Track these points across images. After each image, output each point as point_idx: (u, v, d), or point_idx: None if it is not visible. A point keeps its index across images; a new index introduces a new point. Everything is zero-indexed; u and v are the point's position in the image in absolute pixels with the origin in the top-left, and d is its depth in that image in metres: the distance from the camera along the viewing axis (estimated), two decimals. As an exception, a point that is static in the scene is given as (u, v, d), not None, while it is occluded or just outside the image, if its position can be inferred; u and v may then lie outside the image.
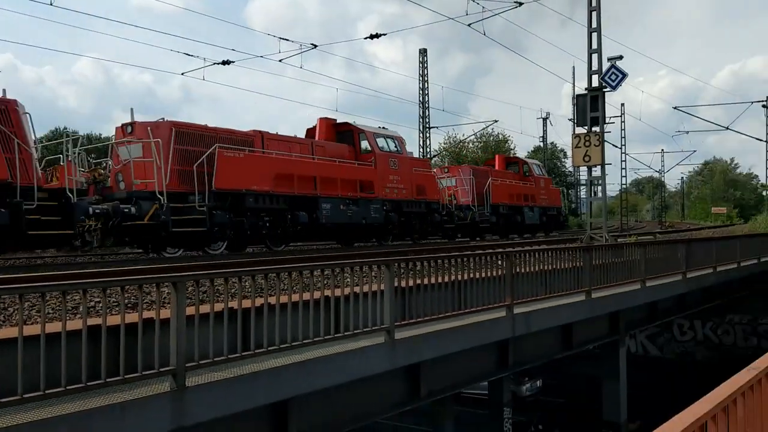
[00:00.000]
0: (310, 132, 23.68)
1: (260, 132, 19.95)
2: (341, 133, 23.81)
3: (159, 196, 15.99)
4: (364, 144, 23.55)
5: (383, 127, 25.27)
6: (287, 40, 25.86)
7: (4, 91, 14.03)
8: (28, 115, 14.18)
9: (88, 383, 5.01)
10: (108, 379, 5.13)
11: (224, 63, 25.76)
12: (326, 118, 23.99)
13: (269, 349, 6.31)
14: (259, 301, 6.39)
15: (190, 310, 5.78)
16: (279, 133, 20.91)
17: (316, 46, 26.01)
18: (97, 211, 15.10)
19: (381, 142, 24.16)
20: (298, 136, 22.32)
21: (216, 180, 17.22)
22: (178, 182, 16.85)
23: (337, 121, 24.45)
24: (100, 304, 5.56)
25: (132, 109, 19.21)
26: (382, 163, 23.45)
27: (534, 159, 42.23)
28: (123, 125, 17.32)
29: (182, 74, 44.23)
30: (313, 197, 20.33)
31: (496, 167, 35.58)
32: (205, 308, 6.00)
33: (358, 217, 21.90)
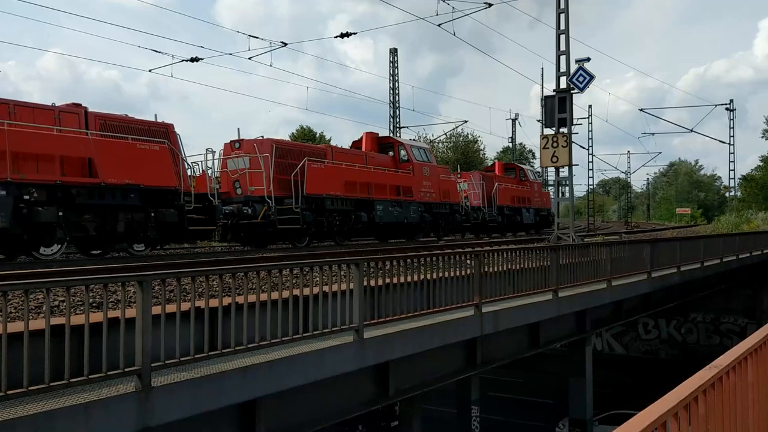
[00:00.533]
0: (356, 144, 27.74)
1: (330, 147, 25.59)
2: (383, 144, 27.74)
3: (267, 200, 19.66)
4: (403, 154, 27.20)
5: (414, 139, 29.08)
6: (257, 37, 25.79)
7: (155, 116, 17.75)
8: (178, 134, 17.65)
9: (51, 384, 4.92)
10: (71, 380, 5.05)
11: (193, 60, 25.53)
12: (370, 132, 27.83)
13: (237, 348, 6.27)
14: (226, 301, 6.34)
15: (156, 310, 5.71)
16: (342, 147, 25.88)
17: (286, 44, 25.91)
18: (227, 211, 18.84)
19: (416, 152, 27.92)
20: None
21: (306, 187, 20.83)
22: (278, 188, 20.24)
23: (380, 135, 28.29)
24: (64, 304, 5.47)
25: (239, 129, 23.29)
26: (418, 170, 27.18)
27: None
28: (231, 141, 21.19)
29: (150, 71, 43.52)
30: (370, 200, 24.04)
31: (497, 173, 38.24)
32: (171, 307, 5.94)
33: (402, 216, 25.68)
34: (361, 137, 27.57)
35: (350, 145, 28.23)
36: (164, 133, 17.17)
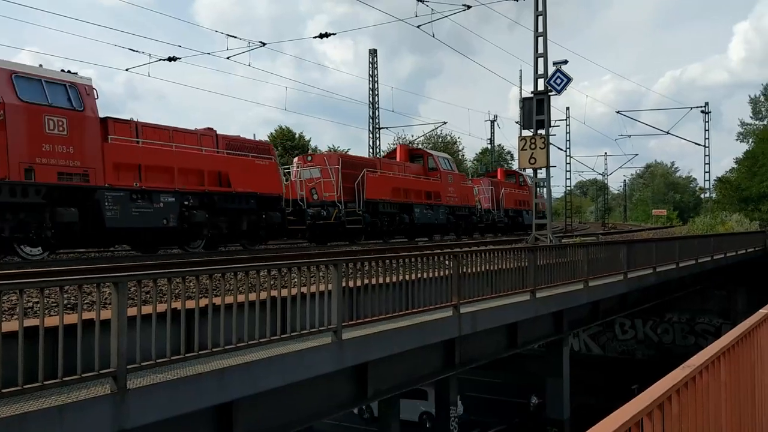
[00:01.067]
0: (391, 155, 32.28)
1: (378, 158, 29.68)
2: (413, 155, 31.87)
3: (338, 204, 23.19)
4: (431, 163, 30.86)
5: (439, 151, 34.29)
6: (235, 37, 25.65)
7: (254, 135, 22.43)
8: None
9: (25, 386, 4.86)
10: (45, 382, 4.99)
11: (170, 59, 25.32)
12: (403, 144, 34.71)
13: (214, 350, 6.23)
14: (203, 302, 6.30)
15: (132, 311, 5.66)
16: (387, 158, 29.57)
17: (264, 44, 25.81)
18: (310, 213, 22.29)
19: (441, 161, 31.59)
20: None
21: (366, 193, 24.62)
22: (344, 195, 23.74)
23: (411, 147, 34.47)
24: (38, 305, 5.40)
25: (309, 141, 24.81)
26: (444, 178, 30.82)
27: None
28: (305, 155, 26.83)
29: (127, 70, 43.15)
30: (409, 204, 27.63)
31: (499, 178, 41.65)
32: (148, 309, 5.89)
33: (433, 218, 29.34)
34: (395, 149, 32.40)
35: (384, 155, 33.85)
36: (267, 149, 21.17)
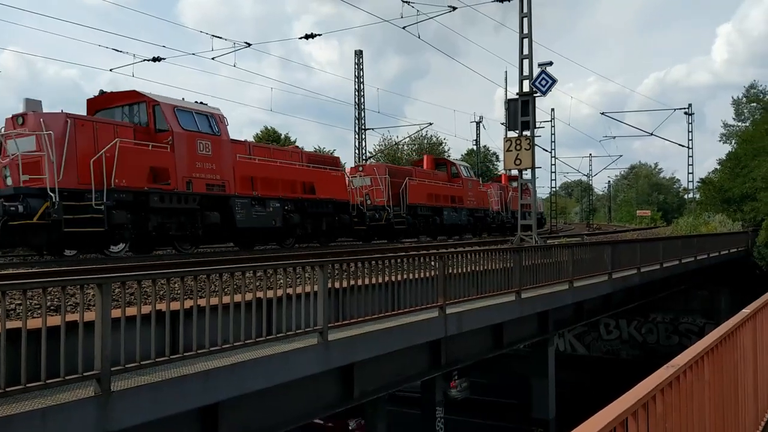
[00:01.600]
0: (418, 163, 36.16)
1: (413, 168, 32.61)
2: (439, 164, 36.18)
3: (387, 208, 26.86)
4: (454, 171, 34.99)
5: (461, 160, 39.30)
6: (220, 38, 25.56)
7: (331, 151, 27.71)
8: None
9: (8, 389, 4.81)
10: (28, 384, 4.94)
11: (155, 60, 25.18)
12: (430, 155, 37.39)
13: (199, 352, 6.20)
14: (188, 303, 6.27)
15: (116, 313, 5.62)
16: (422, 169, 33.18)
17: (249, 44, 25.71)
18: (368, 215, 25.36)
19: (462, 169, 35.63)
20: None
21: (408, 198, 28.67)
22: (390, 200, 27.25)
23: (436, 157, 40.24)
24: (21, 307, 5.35)
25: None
26: (465, 184, 34.83)
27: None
28: (356, 165, 30.67)
29: (111, 70, 42.85)
30: (440, 207, 31.65)
31: (503, 182, 44.89)
32: (132, 310, 5.85)
33: (458, 220, 33.23)
34: (422, 158, 36.99)
35: (412, 164, 38.40)
36: (336, 162, 25.25)
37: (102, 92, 17.79)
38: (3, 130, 14.78)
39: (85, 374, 5.27)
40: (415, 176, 30.41)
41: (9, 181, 14.42)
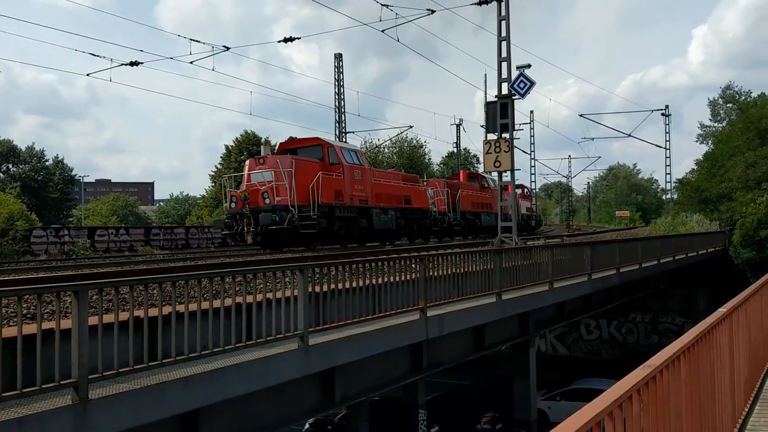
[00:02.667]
0: (454, 177, 42.92)
1: (458, 181, 38.74)
2: (472, 177, 43.51)
3: (448, 214, 33.54)
4: (483, 182, 41.66)
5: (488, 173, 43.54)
6: (198, 41, 25.41)
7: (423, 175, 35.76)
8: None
9: (-18, 399, 4.75)
10: (4, 393, 4.88)
11: (132, 64, 24.99)
12: (465, 170, 46.33)
13: (178, 358, 6.15)
14: (167, 310, 6.21)
15: (93, 320, 5.56)
16: (463, 182, 39.63)
17: (228, 48, 25.60)
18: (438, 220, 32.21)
19: (490, 181, 41.00)
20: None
21: (461, 205, 35.53)
22: (449, 207, 33.98)
23: (469, 171, 48.84)
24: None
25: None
26: (493, 193, 38.96)
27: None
28: (430, 180, 37.15)
29: (88, 75, 42.50)
30: (479, 212, 38.74)
31: (509, 190, 47.51)
32: (109, 317, 5.79)
33: (489, 222, 38.37)
34: (459, 173, 44.46)
35: (450, 177, 43.92)
36: (417, 179, 31.76)
37: (291, 138, 24.61)
38: (247, 168, 21.55)
39: (62, 382, 5.21)
40: (463, 189, 37.10)
41: (267, 201, 20.46)
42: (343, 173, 22.96)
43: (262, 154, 21.56)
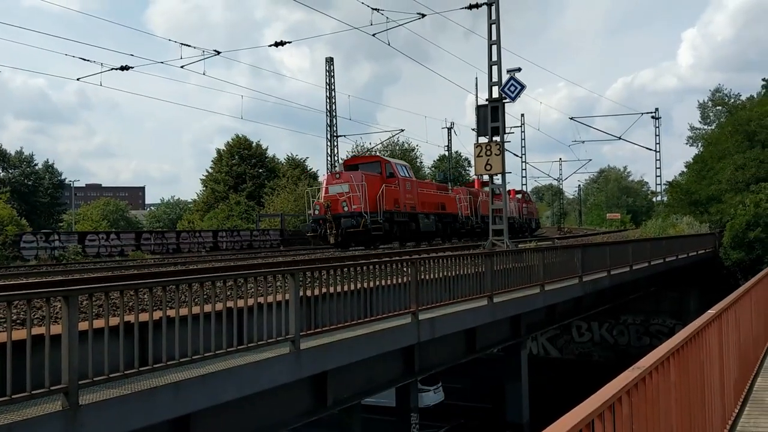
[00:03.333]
0: (470, 185, 46.07)
1: (476, 189, 41.49)
2: (485, 184, 43.57)
3: (471, 218, 36.72)
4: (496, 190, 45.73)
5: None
6: (189, 45, 25.38)
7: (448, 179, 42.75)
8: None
9: (-29, 405, 4.72)
10: (-7, 400, 4.85)
11: (122, 69, 24.93)
12: (478, 179, 43.65)
13: (169, 363, 6.13)
14: (157, 314, 6.20)
15: (83, 325, 5.54)
16: (478, 189, 41.97)
17: (219, 52, 25.60)
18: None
19: (502, 189, 48.15)
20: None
21: (481, 210, 37.66)
22: (469, 212, 36.83)
23: (482, 180, 45.19)
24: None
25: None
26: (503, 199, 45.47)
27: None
28: (456, 188, 40.50)
29: (78, 79, 42.28)
30: (495, 216, 43.28)
31: (511, 196, 52.23)
32: (100, 323, 5.77)
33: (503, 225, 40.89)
34: (474, 180, 47.49)
35: (466, 185, 48.66)
36: (447, 188, 37.02)
37: (354, 156, 31.43)
38: (325, 181, 26.55)
39: (52, 388, 5.19)
40: (480, 195, 40.35)
41: (346, 208, 24.84)
42: (398, 185, 27.64)
43: (338, 170, 27.84)
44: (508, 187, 30.04)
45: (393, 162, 29.32)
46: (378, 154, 31.11)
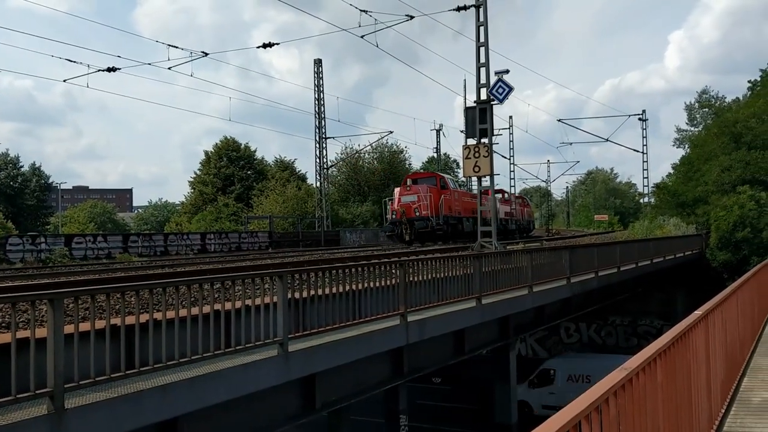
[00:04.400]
0: (487, 191, 51.70)
1: (522, 197, 52.38)
2: (497, 191, 47.63)
3: (513, 222, 44.37)
4: (507, 196, 48.37)
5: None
6: (176, 47, 25.30)
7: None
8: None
9: (-45, 410, 4.67)
10: (-23, 405, 4.80)
11: (109, 70, 24.80)
12: (488, 188, 51.26)
13: (155, 366, 6.09)
14: (144, 317, 6.16)
15: (69, 328, 5.49)
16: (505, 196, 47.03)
17: (207, 54, 25.53)
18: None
19: (528, 200, 55.96)
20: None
21: (499, 214, 40.02)
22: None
23: (516, 194, 58.25)
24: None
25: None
26: (510, 204, 48.00)
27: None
28: (502, 194, 46.04)
29: (64, 81, 42.02)
30: (507, 219, 44.43)
31: (524, 202, 61.85)
32: (86, 326, 5.73)
33: (513, 227, 46.54)
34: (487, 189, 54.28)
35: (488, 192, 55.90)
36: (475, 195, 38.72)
37: (415, 171, 45.67)
38: (398, 193, 32.16)
39: (37, 392, 5.14)
40: (521, 205, 50.81)
41: (418, 213, 30.71)
42: (450, 195, 33.29)
43: (409, 184, 33.42)
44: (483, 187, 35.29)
45: (445, 176, 36.09)
46: (434, 171, 40.92)
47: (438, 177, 35.10)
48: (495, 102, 20.76)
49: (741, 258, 33.89)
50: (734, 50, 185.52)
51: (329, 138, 54.01)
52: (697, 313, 6.13)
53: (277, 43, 27.13)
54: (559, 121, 63.40)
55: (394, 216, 31.73)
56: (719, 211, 35.84)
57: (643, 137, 61.96)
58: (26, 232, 46.06)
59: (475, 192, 27.77)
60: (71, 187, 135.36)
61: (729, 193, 37.94)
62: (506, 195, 49.67)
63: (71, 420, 5.33)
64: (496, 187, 56.88)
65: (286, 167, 71.69)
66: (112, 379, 5.75)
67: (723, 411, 7.22)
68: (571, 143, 68.22)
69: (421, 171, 50.96)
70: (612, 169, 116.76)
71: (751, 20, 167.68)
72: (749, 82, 60.72)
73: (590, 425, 2.89)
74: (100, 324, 5.85)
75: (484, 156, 20.33)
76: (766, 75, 54.02)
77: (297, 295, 8.25)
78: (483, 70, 20.98)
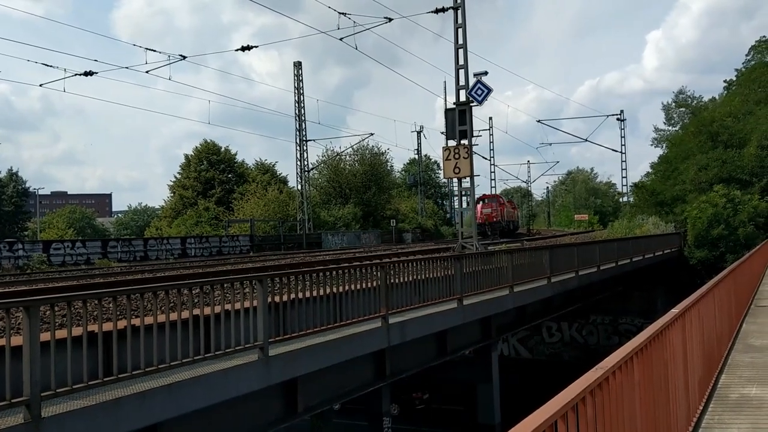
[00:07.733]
0: (487, 196, 58.42)
1: (506, 201, 62.54)
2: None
3: (511, 222, 59.37)
4: (502, 201, 60.20)
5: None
6: (154, 50, 25.15)
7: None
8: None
9: (-72, 421, 4.62)
10: (-49, 415, 4.74)
11: (86, 74, 24.58)
12: (487, 194, 61.71)
13: (134, 373, 6.05)
14: (122, 324, 6.10)
15: (45, 336, 5.43)
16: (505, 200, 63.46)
17: (185, 57, 25.38)
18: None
19: (514, 200, 79.39)
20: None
21: (508, 216, 58.51)
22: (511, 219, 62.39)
23: (499, 195, 73.74)
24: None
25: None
26: (510, 205, 63.87)
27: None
28: (511, 201, 73.36)
29: (41, 86, 41.66)
30: (510, 221, 59.17)
31: (514, 203, 76.35)
32: (62, 333, 5.67)
33: (517, 227, 65.77)
34: (482, 196, 58.37)
35: (497, 197, 62.85)
36: (504, 202, 60.32)
37: (484, 195, 53.35)
38: (481, 205, 48.47)
39: (13, 401, 5.09)
40: (510, 205, 60.01)
41: (495, 220, 50.62)
42: (504, 207, 49.51)
43: (486, 202, 51.20)
44: (479, 191, 35.98)
45: (499, 196, 55.81)
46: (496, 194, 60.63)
47: (497, 197, 57.58)
48: (474, 104, 20.84)
49: (718, 255, 34.27)
50: (711, 51, 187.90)
51: (310, 140, 53.97)
52: (674, 311, 6.18)
53: (257, 46, 27.06)
54: (538, 121, 63.90)
55: (480, 221, 46.63)
56: (693, 210, 36.27)
57: (622, 137, 62.66)
58: (3, 239, 45.49)
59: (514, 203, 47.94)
60: (50, 193, 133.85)
61: (706, 191, 38.36)
62: (501, 200, 59.78)
63: (48, 428, 5.28)
64: (492, 193, 64.89)
65: (266, 170, 71.45)
66: (90, 387, 5.70)
67: (701, 408, 7.28)
68: (551, 144, 69.08)
69: (488, 194, 62.69)
70: (592, 169, 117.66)
71: (727, 21, 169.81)
72: (725, 81, 61.55)
73: (566, 425, 2.91)
74: (77, 331, 5.79)
75: (464, 157, 20.39)
76: (741, 75, 54.72)
77: (278, 298, 8.22)
78: (462, 72, 21.05)
